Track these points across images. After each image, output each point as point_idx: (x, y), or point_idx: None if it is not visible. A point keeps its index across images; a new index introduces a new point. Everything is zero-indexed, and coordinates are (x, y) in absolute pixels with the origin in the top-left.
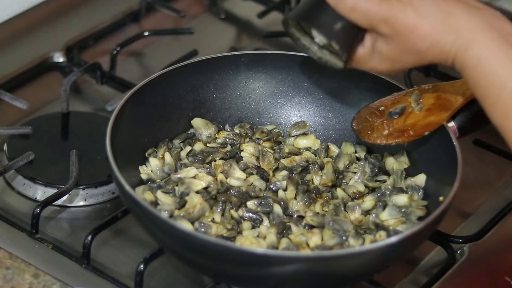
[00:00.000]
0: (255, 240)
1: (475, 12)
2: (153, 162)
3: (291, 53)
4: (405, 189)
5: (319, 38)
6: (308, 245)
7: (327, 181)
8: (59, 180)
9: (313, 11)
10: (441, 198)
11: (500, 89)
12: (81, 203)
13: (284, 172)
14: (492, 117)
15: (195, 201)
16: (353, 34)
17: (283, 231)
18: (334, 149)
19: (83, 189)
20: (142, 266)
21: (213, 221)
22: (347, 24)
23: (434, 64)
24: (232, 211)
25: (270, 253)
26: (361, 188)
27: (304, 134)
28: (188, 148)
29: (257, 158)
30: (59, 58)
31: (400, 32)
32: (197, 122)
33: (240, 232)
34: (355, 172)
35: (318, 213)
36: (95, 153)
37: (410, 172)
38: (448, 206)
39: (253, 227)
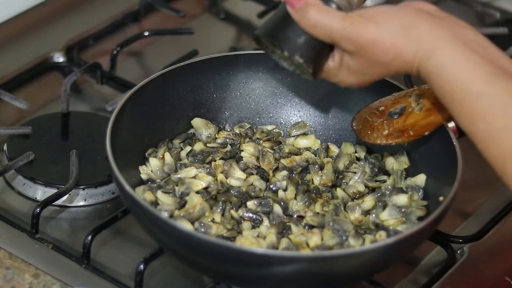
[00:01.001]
0: (255, 240)
1: (438, 22)
2: (153, 162)
3: None
4: (405, 189)
5: (285, 53)
6: (308, 245)
7: (327, 181)
8: (59, 180)
9: (278, 27)
10: (441, 198)
11: (464, 94)
12: (81, 203)
13: (284, 172)
14: (459, 122)
15: (195, 201)
16: (319, 47)
17: (283, 231)
18: (334, 149)
19: (83, 189)
20: (142, 266)
21: (213, 221)
22: (311, 38)
23: (401, 74)
24: (232, 211)
25: (270, 253)
26: (361, 188)
27: (304, 134)
28: (188, 148)
29: (257, 158)
30: (59, 58)
31: (363, 47)
32: (197, 122)
33: (240, 232)
34: (355, 172)
35: (318, 213)
36: (95, 153)
37: (410, 172)
38: (448, 206)
39: (253, 227)
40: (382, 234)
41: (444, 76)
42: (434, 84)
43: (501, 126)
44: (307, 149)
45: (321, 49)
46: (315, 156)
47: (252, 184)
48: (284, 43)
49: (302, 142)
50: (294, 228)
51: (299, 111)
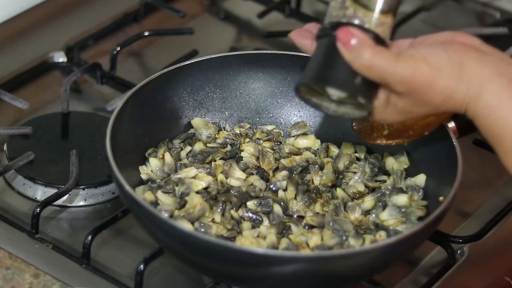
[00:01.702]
0: (255, 240)
1: (485, 60)
2: (153, 162)
3: (291, 53)
4: (405, 189)
5: (337, 96)
6: (308, 245)
7: (327, 181)
8: (59, 180)
9: (326, 71)
10: (441, 198)
11: (511, 137)
12: (81, 203)
13: (284, 172)
14: (506, 163)
15: (195, 201)
16: (373, 85)
17: (283, 231)
18: (334, 149)
19: (83, 189)
20: (142, 266)
21: (213, 221)
22: (365, 77)
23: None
24: (232, 211)
25: (270, 253)
26: (361, 188)
27: (304, 134)
28: (188, 148)
29: (257, 158)
30: (59, 58)
31: (416, 89)
32: (197, 122)
33: (240, 232)
34: (355, 172)
35: (318, 213)
36: (95, 153)
37: (410, 172)
38: (448, 206)
39: (253, 227)
40: (382, 234)
41: (492, 118)
42: (481, 125)
43: None
44: (307, 149)
45: (375, 86)
46: (315, 156)
47: (252, 184)
48: (342, 86)
49: (302, 142)
50: (294, 228)
51: (299, 111)
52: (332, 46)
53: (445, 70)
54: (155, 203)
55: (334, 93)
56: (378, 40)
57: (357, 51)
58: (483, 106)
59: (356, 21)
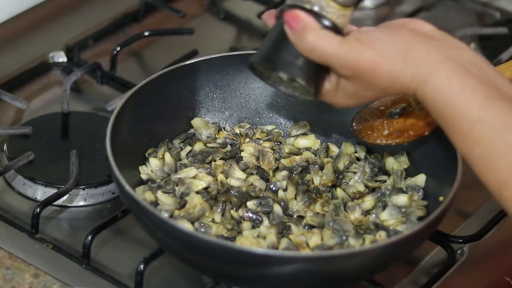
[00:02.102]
0: (255, 240)
1: (434, 44)
2: (153, 162)
3: None
4: (405, 189)
5: (285, 76)
6: (308, 245)
7: (327, 181)
8: (59, 180)
9: (274, 51)
10: (441, 198)
11: (460, 119)
12: (81, 203)
13: (284, 172)
14: (456, 145)
15: (195, 201)
16: (318, 68)
17: (283, 231)
18: (334, 149)
19: (83, 189)
20: (142, 266)
21: (213, 221)
22: (309, 60)
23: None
24: (232, 211)
25: (270, 253)
26: (361, 188)
27: (304, 134)
28: (188, 148)
29: (257, 158)
30: (59, 58)
31: (360, 73)
32: (197, 122)
33: (240, 232)
34: (355, 172)
35: (318, 213)
36: (95, 153)
37: (410, 172)
38: (448, 206)
39: (253, 227)
40: (382, 234)
41: (441, 101)
42: (430, 108)
43: (497, 151)
44: (307, 149)
45: (321, 70)
46: (315, 156)
47: (252, 184)
48: (284, 67)
49: (302, 142)
50: (294, 228)
51: (299, 111)
52: (282, 28)
53: (390, 54)
54: (155, 203)
55: (281, 74)
56: (336, 29)
57: (301, 33)
58: (432, 89)
59: (316, 8)
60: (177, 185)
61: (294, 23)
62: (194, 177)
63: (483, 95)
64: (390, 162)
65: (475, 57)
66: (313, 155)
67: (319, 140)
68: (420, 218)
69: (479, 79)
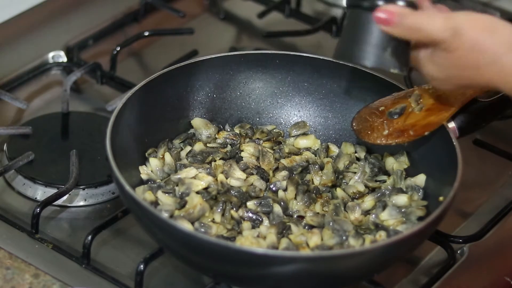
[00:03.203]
0: (255, 240)
1: None
2: (153, 162)
3: (291, 53)
4: (405, 189)
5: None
6: (308, 245)
7: (327, 181)
8: (59, 180)
9: (362, 47)
10: (441, 198)
11: None
12: (81, 203)
13: (284, 172)
14: None
15: (195, 202)
16: (405, 49)
17: (283, 231)
18: (334, 149)
19: (83, 189)
20: (142, 266)
21: (213, 221)
22: (396, 46)
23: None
24: (232, 211)
25: (270, 253)
26: (361, 188)
27: (304, 134)
28: (188, 148)
29: (257, 158)
30: (59, 58)
31: (462, 45)
32: (197, 122)
33: (240, 232)
34: (355, 172)
35: (318, 213)
36: (95, 153)
37: (410, 172)
38: (448, 206)
39: (253, 227)
40: (382, 234)
41: None
42: None
43: None
44: (307, 149)
45: (407, 48)
46: (315, 156)
47: (252, 184)
48: (376, 62)
49: (302, 142)
50: (294, 228)
51: (299, 111)
52: (366, 20)
53: (497, 34)
54: (155, 203)
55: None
56: (411, 4)
57: (401, 22)
58: None
59: None
60: (177, 185)
61: (390, 16)
62: (194, 177)
63: None
64: (390, 162)
65: None
66: (313, 155)
67: (319, 140)
68: (420, 218)
69: None
